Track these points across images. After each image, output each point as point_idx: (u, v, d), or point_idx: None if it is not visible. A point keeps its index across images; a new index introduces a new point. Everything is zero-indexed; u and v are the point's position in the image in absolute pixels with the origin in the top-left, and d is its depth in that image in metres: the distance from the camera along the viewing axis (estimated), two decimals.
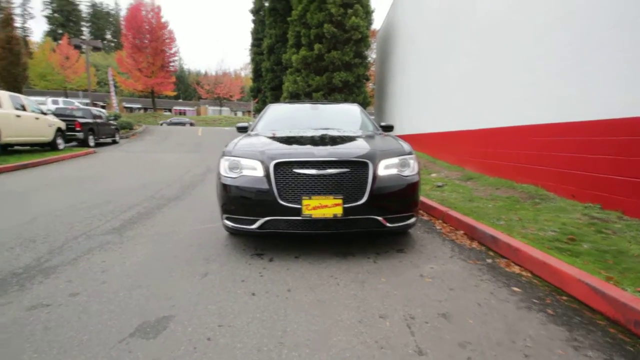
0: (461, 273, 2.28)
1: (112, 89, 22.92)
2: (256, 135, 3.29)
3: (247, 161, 2.55)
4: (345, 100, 13.93)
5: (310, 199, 2.32)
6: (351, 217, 2.36)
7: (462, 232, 3.14)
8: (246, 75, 53.83)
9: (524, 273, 2.27)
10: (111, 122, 15.06)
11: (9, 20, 17.29)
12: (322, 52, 13.27)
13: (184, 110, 51.62)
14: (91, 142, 12.32)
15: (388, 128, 3.94)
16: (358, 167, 2.42)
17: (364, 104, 14.20)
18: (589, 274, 1.98)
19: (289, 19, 14.92)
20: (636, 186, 3.25)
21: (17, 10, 50.41)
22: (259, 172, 2.47)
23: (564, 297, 1.94)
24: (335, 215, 2.32)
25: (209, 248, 2.75)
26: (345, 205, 2.33)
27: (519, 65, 5.18)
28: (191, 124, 28.19)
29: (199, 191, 5.30)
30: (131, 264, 2.42)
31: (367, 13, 13.71)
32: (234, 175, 2.55)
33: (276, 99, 17.49)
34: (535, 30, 4.80)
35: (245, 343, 1.52)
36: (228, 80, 49.31)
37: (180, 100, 49.01)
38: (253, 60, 21.37)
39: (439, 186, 5.31)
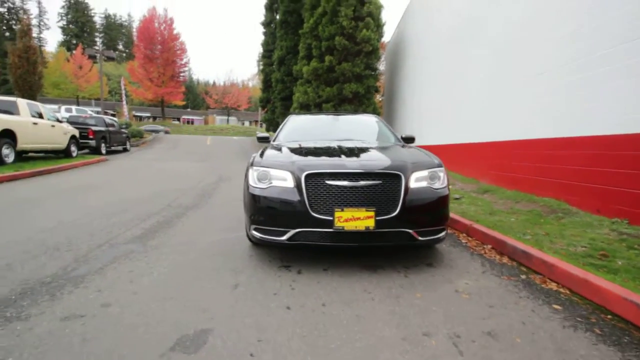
0: (497, 289, 2.22)
1: (123, 97, 23.32)
2: (280, 145, 3.29)
3: (277, 172, 2.54)
4: (355, 111, 14.01)
5: (342, 210, 2.29)
6: (383, 229, 2.32)
7: (489, 246, 3.08)
8: (254, 85, 54.59)
9: (561, 290, 2.21)
10: (123, 130, 15.25)
11: (26, 31, 17.74)
12: (333, 64, 13.41)
13: (192, 119, 52.27)
14: (103, 150, 12.46)
15: (409, 140, 3.92)
16: (390, 179, 2.39)
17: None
18: (633, 292, 1.91)
19: (300, 31, 15.16)
20: None
21: (34, 22, 51.96)
22: (289, 183, 2.45)
23: (609, 316, 1.87)
24: (367, 228, 2.29)
25: (234, 259, 2.71)
26: (378, 218, 2.30)
27: (531, 77, 5.17)
28: (166, 132, 28.32)
29: (215, 200, 5.29)
30: (159, 274, 2.40)
31: (378, 26, 13.87)
32: (263, 186, 2.53)
33: (286, 109, 17.63)
34: (545, 45, 4.80)
35: None
36: (236, 90, 49.98)
37: (189, 110, 49.69)
38: (263, 71, 21.64)
39: (456, 198, 5.25)
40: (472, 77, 7.39)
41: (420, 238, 2.42)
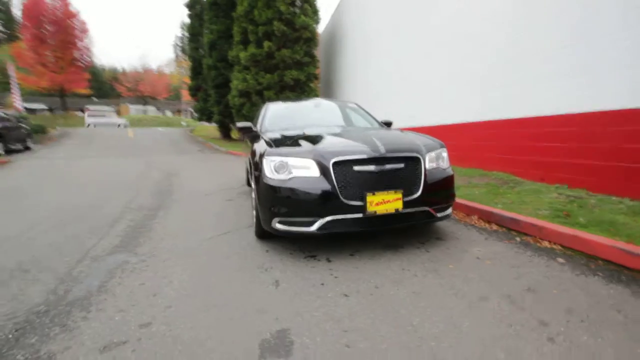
0: (507, 252, 2.52)
1: (14, 86, 19.23)
2: (279, 134, 3.16)
3: (298, 160, 2.44)
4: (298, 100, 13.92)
5: (374, 194, 2.32)
6: (409, 210, 2.43)
7: (476, 216, 3.45)
8: (171, 72, 50.00)
9: (555, 247, 2.60)
10: (22, 125, 12.71)
11: None
12: (272, 50, 13.04)
13: (100, 110, 45.58)
14: (0, 150, 10.26)
15: (388, 124, 4.09)
16: (413, 161, 2.50)
17: None
18: (615, 240, 2.37)
19: (233, 14, 14.31)
20: (595, 168, 3.93)
21: None
22: (314, 172, 2.38)
23: (600, 262, 2.29)
24: (397, 210, 2.37)
25: (252, 256, 2.56)
26: (405, 199, 2.39)
27: (458, 63, 5.80)
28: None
29: (179, 197, 4.84)
30: (181, 282, 2.15)
31: (315, 12, 13.86)
32: (284, 177, 2.42)
33: (221, 97, 16.64)
34: (472, 31, 5.42)
35: (390, 343, 1.48)
36: (152, 77, 45.24)
37: (95, 99, 43.33)
38: (190, 56, 19.87)
39: None
40: (398, 65, 7.92)
41: (437, 215, 2.60)
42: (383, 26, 9.68)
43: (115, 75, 47.30)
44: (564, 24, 4.29)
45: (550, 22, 4.46)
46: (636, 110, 3.49)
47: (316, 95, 14.28)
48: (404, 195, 2.39)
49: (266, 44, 12.93)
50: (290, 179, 2.40)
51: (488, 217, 3.31)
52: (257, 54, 13.14)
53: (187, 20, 20.40)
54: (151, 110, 44.65)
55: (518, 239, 2.82)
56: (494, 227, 3.16)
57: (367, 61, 10.91)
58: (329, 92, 15.11)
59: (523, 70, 4.89)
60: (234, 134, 21.05)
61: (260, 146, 2.85)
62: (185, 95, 50.57)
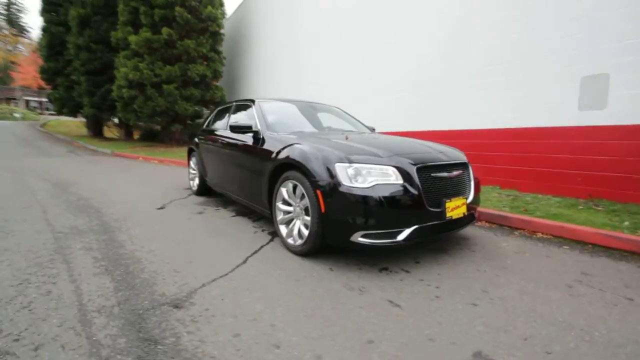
0: (528, 246, 2.94)
1: None
2: (301, 136, 2.90)
3: (375, 167, 2.26)
4: (203, 97, 12.71)
5: (450, 201, 2.36)
6: (467, 214, 2.57)
7: None
8: None
9: (547, 236, 3.20)
10: None
11: None
12: (174, 39, 11.50)
13: None
14: None
15: (372, 130, 4.21)
16: (465, 167, 2.65)
17: (220, 103, 13.40)
18: (594, 227, 3.08)
19: None
20: (522, 172, 5.00)
21: None
22: (396, 179, 2.25)
23: (590, 246, 2.95)
24: (464, 214, 2.47)
25: (327, 278, 2.21)
26: (467, 204, 2.52)
27: (376, 74, 6.56)
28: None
29: (123, 217, 3.75)
30: (242, 296, 1.68)
31: (221, 5, 12.89)
32: (365, 185, 2.20)
33: (97, 86, 13.56)
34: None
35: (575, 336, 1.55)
36: None
37: None
38: (47, 31, 15.23)
39: None
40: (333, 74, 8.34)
41: (476, 217, 2.84)
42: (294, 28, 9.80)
43: None
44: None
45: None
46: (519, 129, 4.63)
47: (222, 94, 13.33)
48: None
49: (165, 30, 11.33)
50: (372, 186, 2.20)
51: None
52: (154, 40, 11.37)
53: None
54: None
55: (517, 233, 3.34)
56: (486, 224, 3.65)
57: (290, 59, 10.77)
58: (232, 92, 14.25)
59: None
60: (112, 132, 17.46)
61: (294, 150, 2.55)
62: (21, 79, 38.70)
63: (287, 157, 2.62)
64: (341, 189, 2.21)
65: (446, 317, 1.77)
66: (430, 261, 2.52)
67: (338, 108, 4.37)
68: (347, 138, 2.85)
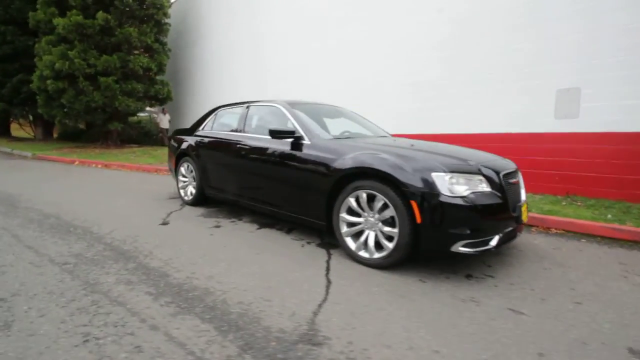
0: (553, 241, 3.26)
1: None
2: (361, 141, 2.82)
3: (468, 176, 2.26)
4: (147, 93, 11.43)
5: (522, 206, 2.49)
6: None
7: None
8: None
9: (560, 231, 3.60)
10: None
11: None
12: (112, 25, 10.08)
13: None
14: None
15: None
16: (518, 173, 2.82)
17: (166, 100, 12.25)
18: (599, 222, 3.54)
19: None
20: None
21: None
22: (485, 186, 2.29)
23: (599, 238, 3.39)
24: (527, 218, 2.63)
25: (385, 284, 2.14)
26: None
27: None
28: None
29: (122, 235, 3.17)
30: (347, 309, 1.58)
31: None
32: (463, 194, 2.19)
33: (7, 76, 11.12)
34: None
35: None
36: None
37: None
38: None
39: None
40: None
41: None
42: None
43: None
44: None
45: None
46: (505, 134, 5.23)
47: (169, 90, 12.17)
48: None
49: (101, 15, 9.92)
50: (470, 195, 2.20)
51: None
52: (87, 25, 9.86)
53: None
54: None
55: (534, 229, 3.69)
56: None
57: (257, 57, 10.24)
58: (177, 88, 13.06)
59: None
60: (24, 131, 14.50)
61: (369, 157, 2.48)
62: None
63: (361, 166, 2.48)
64: (441, 198, 2.16)
65: (571, 319, 1.86)
66: (499, 264, 2.62)
67: (354, 112, 4.30)
68: (412, 145, 2.82)
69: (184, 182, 4.52)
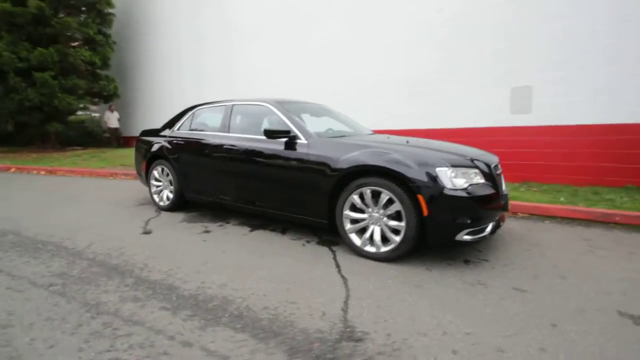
0: (523, 224, 3.63)
1: None
2: (360, 139, 2.90)
3: (466, 170, 2.44)
4: (90, 89, 10.45)
5: (507, 195, 2.75)
6: None
7: None
8: None
9: (526, 215, 4.00)
10: None
11: None
12: (47, 14, 9.00)
13: None
14: None
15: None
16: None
17: (112, 97, 11.33)
18: (557, 204, 4.00)
19: None
20: None
21: None
22: (479, 178, 2.48)
23: (559, 219, 3.84)
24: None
25: (398, 275, 2.28)
26: None
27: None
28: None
29: (87, 245, 2.91)
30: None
31: None
32: (464, 187, 2.36)
33: None
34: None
35: None
36: None
37: None
38: None
39: None
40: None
41: None
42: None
43: None
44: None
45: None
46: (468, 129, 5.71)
47: (115, 86, 11.26)
48: None
49: (33, 2, 8.85)
50: (469, 186, 2.38)
51: None
52: (17, 13, 8.72)
53: None
54: None
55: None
56: None
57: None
58: (125, 83, 12.05)
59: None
60: None
61: (373, 155, 2.56)
62: None
63: (366, 163, 2.54)
64: (445, 191, 2.31)
65: (563, 292, 2.11)
66: (487, 248, 2.87)
67: (338, 111, 4.34)
68: (407, 142, 2.94)
69: (158, 186, 4.24)
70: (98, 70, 10.61)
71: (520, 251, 2.82)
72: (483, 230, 2.45)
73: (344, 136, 3.20)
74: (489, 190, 2.48)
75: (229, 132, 3.55)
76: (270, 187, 3.17)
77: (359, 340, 1.63)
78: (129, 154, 9.46)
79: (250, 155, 3.26)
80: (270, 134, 2.95)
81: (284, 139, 3.03)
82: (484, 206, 2.45)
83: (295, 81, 7.73)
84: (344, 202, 2.68)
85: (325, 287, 2.17)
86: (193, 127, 3.98)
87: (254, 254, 2.77)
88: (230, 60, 9.19)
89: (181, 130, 4.05)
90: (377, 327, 1.73)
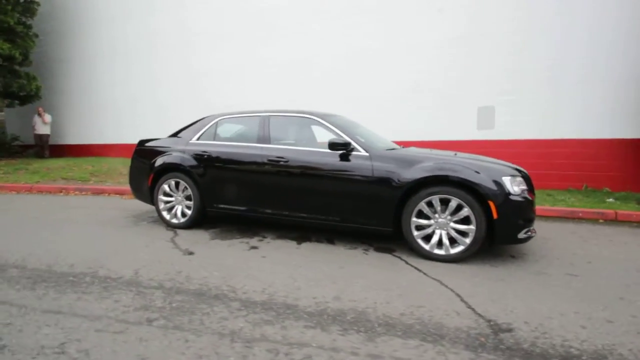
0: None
1: None
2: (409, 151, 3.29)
3: (516, 178, 2.87)
4: (7, 88, 8.78)
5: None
6: None
7: None
8: None
9: None
10: None
11: None
12: None
13: None
14: None
15: None
16: None
17: (33, 97, 9.70)
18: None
19: None
20: None
21: None
22: (525, 185, 2.94)
23: (541, 217, 4.64)
24: None
25: (480, 273, 2.62)
26: None
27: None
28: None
29: (132, 272, 2.62)
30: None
31: None
32: (520, 193, 2.78)
33: None
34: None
35: None
36: None
37: None
38: None
39: None
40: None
41: None
42: None
43: None
44: None
45: None
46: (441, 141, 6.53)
47: (37, 85, 9.65)
48: None
49: None
50: (521, 193, 2.81)
51: None
52: None
53: None
54: None
55: None
56: None
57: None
58: (51, 83, 10.31)
59: None
60: None
61: (440, 166, 2.88)
62: None
63: (438, 175, 2.81)
64: (511, 197, 2.71)
65: (598, 275, 2.64)
66: (513, 245, 3.37)
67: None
68: (455, 154, 3.29)
69: (168, 202, 3.84)
70: (17, 67, 8.86)
71: (541, 245, 3.38)
72: (531, 230, 2.91)
73: (394, 149, 3.41)
74: (532, 196, 2.97)
75: (270, 143, 3.46)
76: (329, 199, 3.20)
77: (509, 330, 1.85)
78: (66, 165, 8.13)
79: (303, 168, 3.25)
80: (334, 146, 3.01)
81: (341, 151, 3.11)
82: (533, 209, 2.92)
83: (259, 87, 7.69)
84: (412, 210, 2.90)
85: (431, 291, 2.33)
86: (219, 137, 3.74)
87: (329, 265, 2.77)
88: (190, 64, 8.66)
89: (203, 140, 3.76)
90: (510, 317, 1.97)
